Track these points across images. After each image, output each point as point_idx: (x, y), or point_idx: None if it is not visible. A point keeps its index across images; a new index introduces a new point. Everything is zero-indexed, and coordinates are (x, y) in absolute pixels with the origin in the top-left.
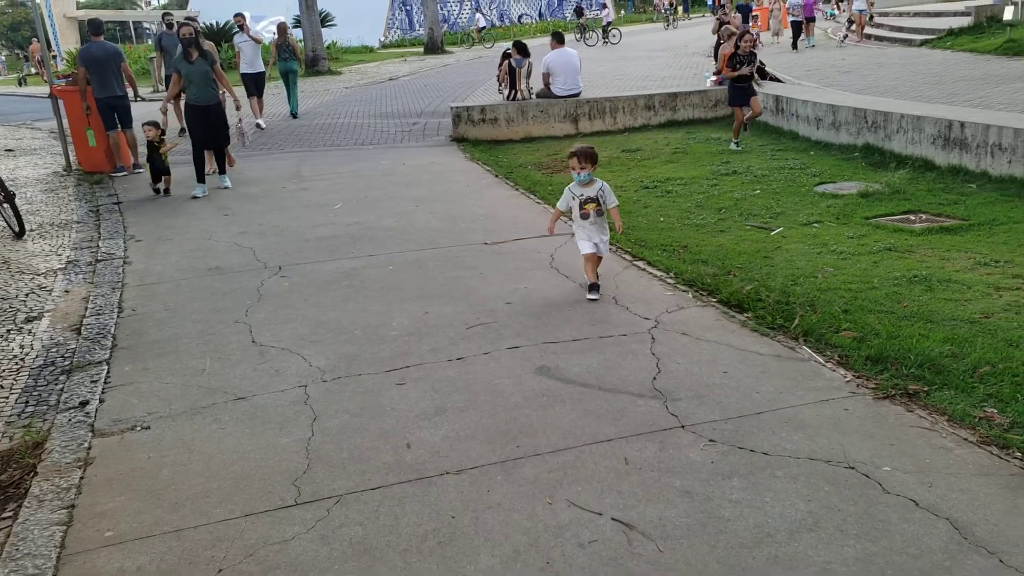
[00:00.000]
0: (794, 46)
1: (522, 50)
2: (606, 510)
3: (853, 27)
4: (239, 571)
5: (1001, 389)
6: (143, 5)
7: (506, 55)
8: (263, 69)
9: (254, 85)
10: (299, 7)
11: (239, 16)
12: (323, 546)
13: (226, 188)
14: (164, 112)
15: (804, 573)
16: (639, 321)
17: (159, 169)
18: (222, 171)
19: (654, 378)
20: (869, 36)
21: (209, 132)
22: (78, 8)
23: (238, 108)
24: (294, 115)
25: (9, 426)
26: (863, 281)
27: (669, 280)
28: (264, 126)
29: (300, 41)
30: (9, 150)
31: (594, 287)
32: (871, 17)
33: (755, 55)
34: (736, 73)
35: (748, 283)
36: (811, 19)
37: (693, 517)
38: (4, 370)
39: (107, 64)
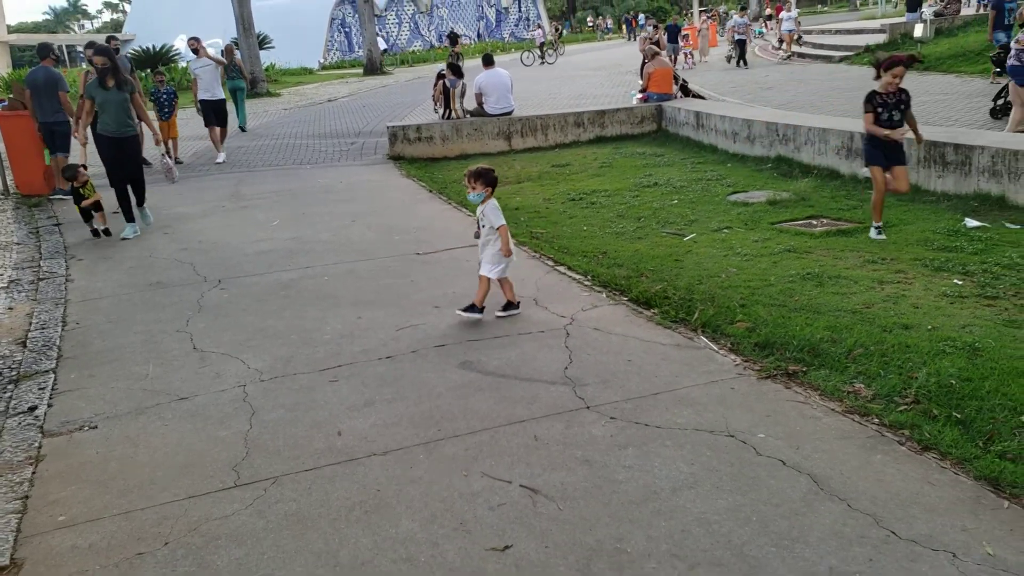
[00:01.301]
0: (740, 63)
1: (456, 71)
2: (515, 479)
3: (783, 45)
4: (184, 543)
5: (870, 367)
6: (76, 29)
7: (440, 75)
8: (223, 96)
9: (213, 113)
10: (236, 30)
11: (194, 40)
12: (260, 519)
13: (146, 224)
14: (83, 143)
15: (682, 521)
16: (556, 319)
17: (88, 208)
18: (140, 203)
19: (566, 368)
20: (794, 54)
21: (124, 166)
22: (9, 33)
23: (157, 143)
24: (242, 128)
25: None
26: (761, 279)
27: (586, 283)
28: (223, 160)
29: None
30: None
31: (509, 305)
32: (799, 36)
33: (906, 99)
34: (885, 133)
35: (657, 283)
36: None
37: (591, 481)
38: None
39: (47, 89)
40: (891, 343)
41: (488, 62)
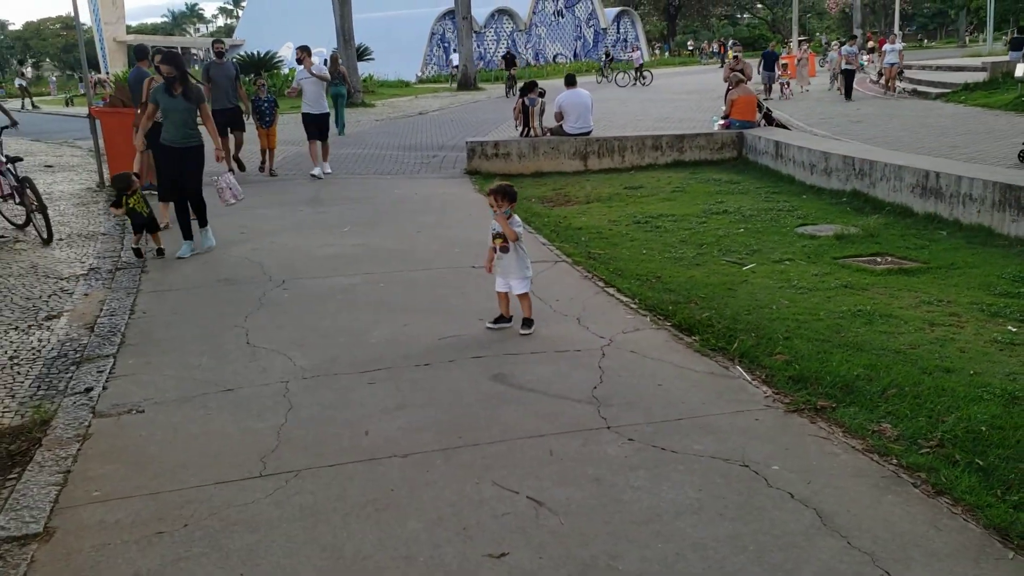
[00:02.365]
0: (846, 94)
1: (534, 89)
2: (524, 490)
3: (881, 79)
4: (202, 525)
5: (901, 408)
6: (191, 32)
7: (522, 93)
8: (327, 110)
9: (316, 128)
10: (336, 40)
11: (302, 50)
12: (277, 509)
13: (209, 248)
14: (141, 149)
15: (679, 544)
16: (595, 339)
17: (142, 223)
18: (202, 223)
19: (595, 387)
20: (895, 88)
21: (184, 180)
22: (128, 33)
23: (219, 159)
24: (340, 133)
25: (22, 406)
26: (811, 313)
27: (633, 305)
28: (318, 174)
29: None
30: (49, 166)
31: (500, 319)
32: (901, 71)
33: None
34: None
35: (705, 311)
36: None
37: (597, 499)
38: (22, 359)
39: (136, 88)
40: (928, 385)
41: (570, 82)
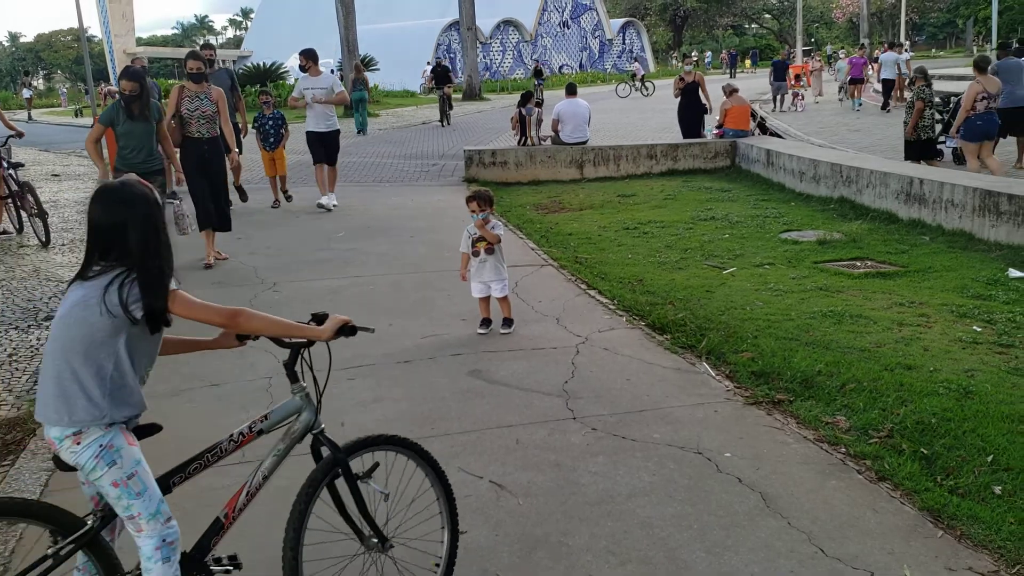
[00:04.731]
0: (884, 106)
1: (529, 99)
2: (487, 475)
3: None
4: (178, 506)
5: (857, 401)
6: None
7: (520, 103)
8: (337, 127)
9: (322, 149)
10: (341, 51)
11: (307, 56)
12: None
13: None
14: (106, 175)
15: (627, 523)
16: (571, 338)
17: None
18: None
19: (566, 382)
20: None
21: None
22: (138, 45)
23: (179, 183)
24: (360, 132)
25: (19, 399)
26: (783, 314)
27: (611, 306)
28: (330, 206)
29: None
30: (56, 175)
31: (485, 322)
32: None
33: None
34: None
35: (681, 311)
36: (859, 80)
37: (555, 482)
38: (21, 356)
39: None
40: (887, 381)
41: (570, 91)
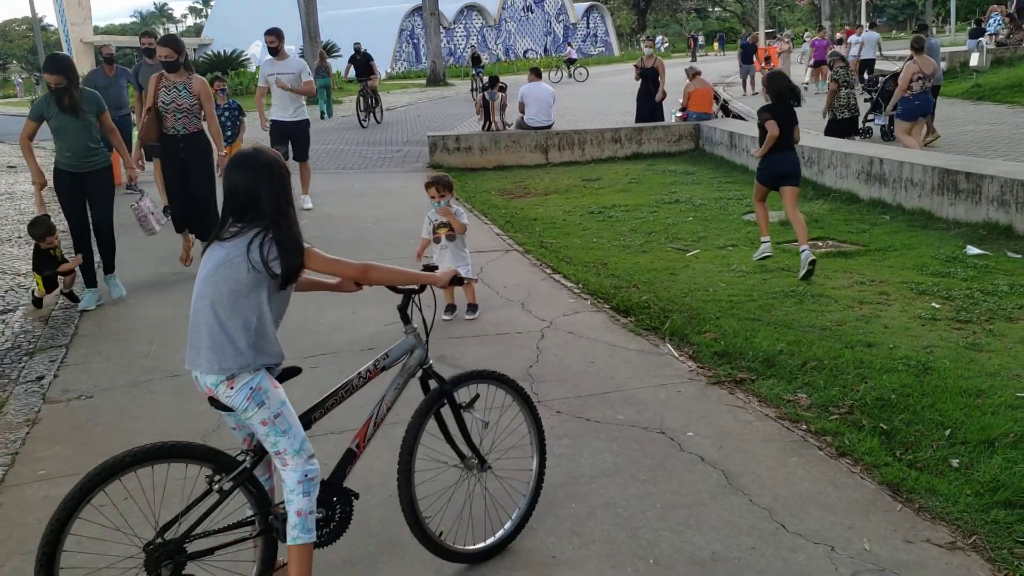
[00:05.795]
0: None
1: (494, 84)
2: (451, 460)
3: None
4: (142, 499)
5: (817, 379)
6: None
7: (484, 88)
8: (306, 116)
9: (290, 140)
10: (302, 38)
11: (276, 36)
12: None
13: (119, 298)
14: (39, 186)
15: (591, 504)
16: (536, 322)
17: (52, 275)
18: (109, 268)
19: (531, 366)
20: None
21: (86, 211)
22: (96, 34)
23: (132, 181)
24: (323, 116)
25: None
26: (746, 295)
27: (576, 290)
28: (308, 206)
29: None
30: (12, 166)
31: (450, 308)
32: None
33: None
34: None
35: (644, 294)
36: (823, 62)
37: (519, 465)
38: None
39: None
40: (848, 359)
41: (536, 74)
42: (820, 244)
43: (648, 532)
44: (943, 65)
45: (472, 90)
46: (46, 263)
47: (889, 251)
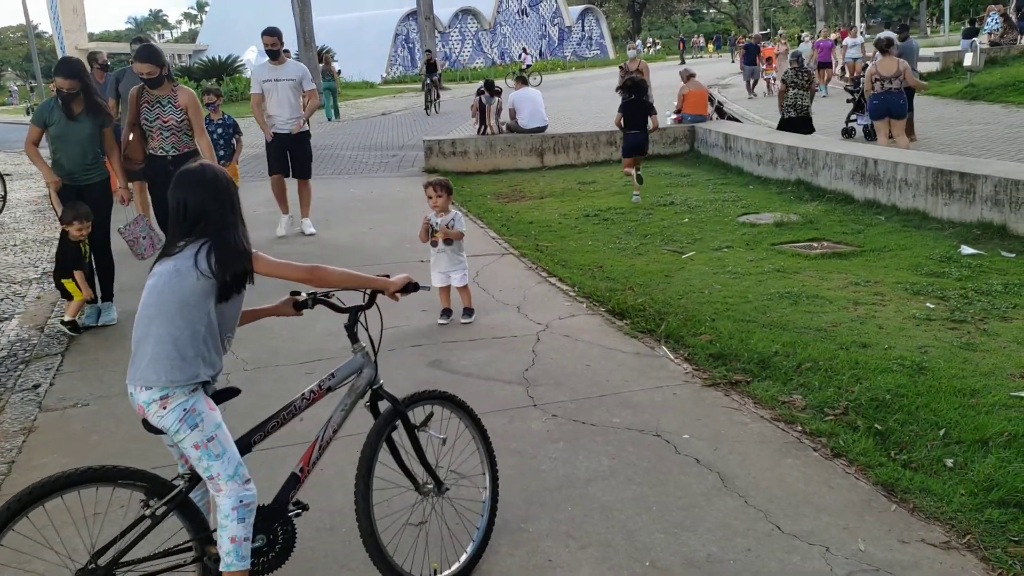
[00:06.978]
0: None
1: (491, 88)
2: (447, 464)
3: (846, 73)
4: (135, 508)
5: (813, 380)
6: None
7: (479, 92)
8: (306, 128)
9: (280, 157)
10: (297, 43)
11: (272, 36)
12: None
13: (108, 323)
14: (54, 184)
15: (587, 507)
16: (532, 325)
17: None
18: (107, 295)
19: (526, 369)
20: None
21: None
22: (91, 40)
23: (124, 201)
24: (330, 119)
25: None
26: (741, 296)
27: (572, 293)
28: (311, 231)
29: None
30: (7, 174)
31: (446, 312)
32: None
33: None
34: None
35: (640, 296)
36: (826, 64)
37: (516, 469)
38: None
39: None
40: (842, 360)
41: (522, 80)
42: (815, 245)
43: (644, 535)
44: (936, 65)
45: (428, 102)
46: (75, 258)
47: (884, 252)
